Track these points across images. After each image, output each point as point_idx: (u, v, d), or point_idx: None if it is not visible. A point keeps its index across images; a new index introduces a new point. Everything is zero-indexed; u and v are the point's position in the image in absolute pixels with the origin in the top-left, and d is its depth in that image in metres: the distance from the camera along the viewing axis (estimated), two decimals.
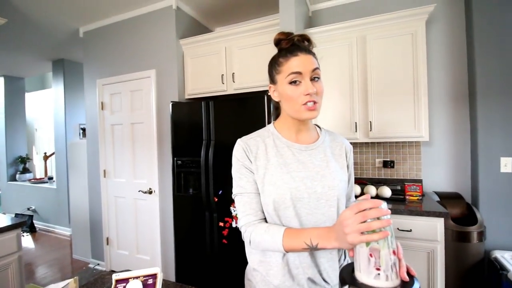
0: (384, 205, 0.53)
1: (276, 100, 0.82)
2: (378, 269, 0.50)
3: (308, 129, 0.84)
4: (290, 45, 0.77)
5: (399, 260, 0.54)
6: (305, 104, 0.73)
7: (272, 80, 0.81)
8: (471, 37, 1.93)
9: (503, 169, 1.82)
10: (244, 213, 0.78)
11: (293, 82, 0.73)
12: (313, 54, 0.77)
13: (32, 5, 2.35)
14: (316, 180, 0.77)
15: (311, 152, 0.81)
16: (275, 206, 0.76)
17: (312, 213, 0.76)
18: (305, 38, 0.79)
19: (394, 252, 0.51)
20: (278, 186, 0.75)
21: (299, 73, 0.72)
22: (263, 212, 0.79)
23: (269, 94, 0.85)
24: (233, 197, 0.82)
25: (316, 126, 0.90)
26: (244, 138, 0.84)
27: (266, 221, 0.79)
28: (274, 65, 0.79)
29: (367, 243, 0.52)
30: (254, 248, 0.77)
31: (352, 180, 0.90)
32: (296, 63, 0.73)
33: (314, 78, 0.74)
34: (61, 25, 2.77)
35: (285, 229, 0.71)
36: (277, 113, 0.87)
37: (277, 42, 0.80)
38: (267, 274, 0.80)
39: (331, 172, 0.78)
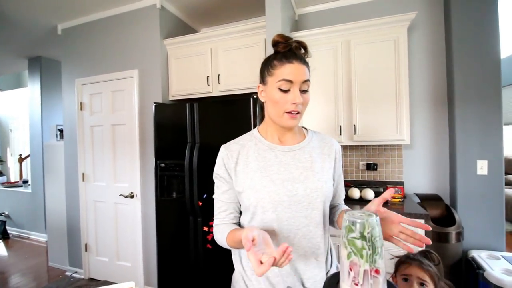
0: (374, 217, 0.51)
1: (263, 100, 0.81)
2: (356, 284, 0.49)
3: (293, 132, 0.83)
4: (288, 50, 0.76)
5: None
6: (289, 112, 0.74)
7: (263, 80, 0.80)
8: (450, 44, 2.00)
9: (479, 172, 1.90)
10: (215, 216, 0.85)
11: (282, 89, 0.73)
12: (307, 65, 0.76)
13: None
14: (298, 182, 0.76)
15: (294, 153, 0.80)
16: (253, 210, 0.76)
17: (294, 217, 0.75)
18: (302, 46, 0.79)
19: (377, 271, 0.50)
20: (257, 190, 0.75)
21: (290, 81, 0.72)
22: (232, 217, 0.84)
23: (255, 97, 0.84)
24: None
25: (303, 128, 0.89)
26: (227, 143, 0.85)
27: (236, 221, 0.85)
28: (267, 66, 0.77)
29: (348, 256, 0.51)
30: (220, 244, 0.82)
31: (341, 180, 0.90)
32: (290, 70, 0.72)
33: (302, 90, 0.74)
34: (38, 22, 2.64)
35: (228, 233, 0.76)
36: (263, 115, 0.86)
37: (275, 44, 0.79)
38: (249, 278, 0.79)
39: (315, 173, 0.77)
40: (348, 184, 2.25)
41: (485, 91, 1.88)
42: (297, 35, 2.13)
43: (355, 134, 2.04)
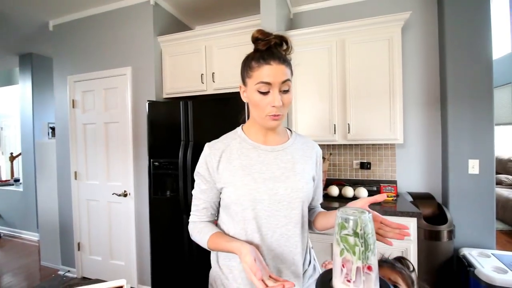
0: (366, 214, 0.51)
1: (245, 101, 0.81)
2: (348, 281, 0.49)
3: (277, 133, 0.83)
4: (267, 48, 0.74)
5: None
6: (270, 115, 0.73)
7: (243, 81, 0.79)
8: (443, 44, 2.02)
9: (470, 171, 1.92)
10: (192, 211, 0.86)
11: (261, 91, 0.72)
12: (287, 64, 0.74)
13: None
14: (280, 181, 0.76)
15: (277, 154, 0.80)
16: (234, 207, 0.77)
17: (273, 215, 0.76)
18: (283, 40, 0.76)
19: (369, 268, 0.50)
20: (237, 188, 0.76)
21: (269, 83, 0.71)
22: (209, 215, 0.85)
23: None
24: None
25: (288, 129, 0.90)
26: (212, 142, 0.85)
27: (212, 219, 0.86)
28: (246, 67, 0.76)
29: (341, 253, 0.51)
30: (194, 240, 0.84)
31: (320, 184, 0.92)
32: (268, 72, 0.71)
33: (283, 90, 0.73)
34: (29, 17, 2.59)
35: (210, 236, 0.77)
36: (245, 115, 0.86)
37: (254, 40, 0.76)
38: (226, 277, 0.80)
39: (296, 174, 0.78)
40: (342, 183, 2.26)
41: (477, 91, 1.90)
42: (292, 34, 2.12)
43: (349, 133, 2.05)
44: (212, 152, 0.81)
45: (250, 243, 0.75)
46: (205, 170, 0.81)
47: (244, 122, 0.89)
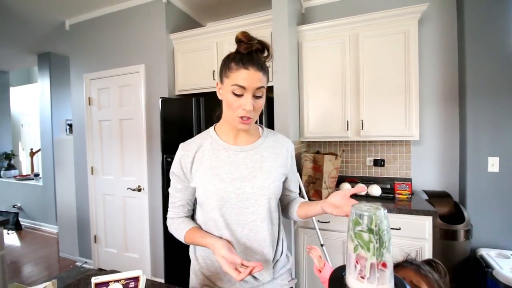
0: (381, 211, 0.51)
1: (220, 98, 0.83)
2: (362, 277, 0.49)
3: (248, 132, 0.87)
4: (248, 52, 0.76)
5: None
6: (240, 117, 0.76)
7: (221, 79, 0.81)
8: (463, 37, 1.94)
9: (490, 169, 1.85)
10: (169, 208, 0.91)
11: (235, 93, 0.75)
12: (265, 71, 0.77)
13: None
14: (247, 181, 0.81)
15: (246, 154, 0.84)
16: (205, 206, 0.83)
17: (241, 213, 0.80)
18: (265, 47, 0.79)
19: (384, 265, 0.49)
20: (206, 188, 0.80)
21: (243, 87, 0.73)
22: (186, 211, 0.90)
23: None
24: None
25: (260, 127, 0.93)
26: (186, 142, 0.89)
27: (190, 215, 0.92)
28: (225, 67, 0.78)
29: (355, 249, 0.51)
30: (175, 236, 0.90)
31: (295, 177, 0.97)
32: (244, 76, 0.73)
33: (256, 95, 0.76)
34: (46, 17, 2.67)
35: (186, 231, 0.83)
36: (220, 111, 0.88)
37: (237, 41, 0.79)
38: (201, 267, 0.87)
39: (263, 172, 0.82)
40: (355, 180, 2.23)
41: (498, 86, 1.82)
42: (304, 29, 2.09)
43: (362, 129, 2.01)
44: (186, 154, 0.84)
45: (221, 238, 0.79)
46: (180, 171, 0.85)
47: (218, 120, 0.91)
